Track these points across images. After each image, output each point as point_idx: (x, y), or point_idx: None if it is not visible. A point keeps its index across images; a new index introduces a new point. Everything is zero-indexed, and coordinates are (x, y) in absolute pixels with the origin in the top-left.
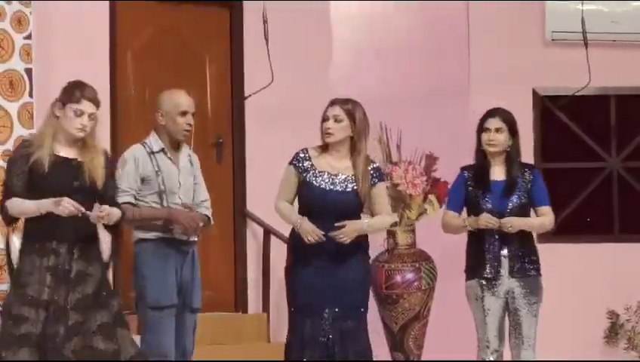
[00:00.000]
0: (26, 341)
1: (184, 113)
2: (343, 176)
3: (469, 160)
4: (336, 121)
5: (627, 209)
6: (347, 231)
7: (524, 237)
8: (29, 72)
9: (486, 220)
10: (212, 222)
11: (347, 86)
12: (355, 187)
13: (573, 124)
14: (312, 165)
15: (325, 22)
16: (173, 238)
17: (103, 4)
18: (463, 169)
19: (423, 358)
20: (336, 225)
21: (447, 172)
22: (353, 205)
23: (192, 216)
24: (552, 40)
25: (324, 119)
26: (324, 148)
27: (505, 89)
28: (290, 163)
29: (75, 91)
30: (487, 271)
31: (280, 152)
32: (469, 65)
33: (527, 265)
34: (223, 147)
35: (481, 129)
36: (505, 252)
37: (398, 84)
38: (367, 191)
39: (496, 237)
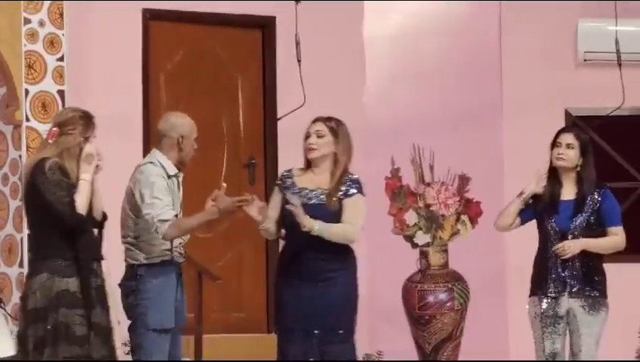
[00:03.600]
0: None
1: (196, 138)
2: (320, 191)
3: (502, 180)
4: (318, 136)
5: None
6: (300, 213)
7: (587, 257)
8: (61, 93)
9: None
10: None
11: (380, 108)
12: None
13: (606, 144)
14: (293, 183)
15: (358, 44)
16: (172, 261)
17: (136, 26)
18: None
19: None
20: (289, 204)
21: (480, 192)
22: (327, 217)
23: (229, 200)
24: (585, 60)
25: (307, 136)
26: (308, 166)
27: (537, 110)
28: (276, 183)
29: (92, 122)
30: (549, 289)
31: None
32: (502, 86)
33: (588, 285)
34: (256, 168)
35: (553, 144)
36: (567, 271)
37: (430, 105)
38: (336, 202)
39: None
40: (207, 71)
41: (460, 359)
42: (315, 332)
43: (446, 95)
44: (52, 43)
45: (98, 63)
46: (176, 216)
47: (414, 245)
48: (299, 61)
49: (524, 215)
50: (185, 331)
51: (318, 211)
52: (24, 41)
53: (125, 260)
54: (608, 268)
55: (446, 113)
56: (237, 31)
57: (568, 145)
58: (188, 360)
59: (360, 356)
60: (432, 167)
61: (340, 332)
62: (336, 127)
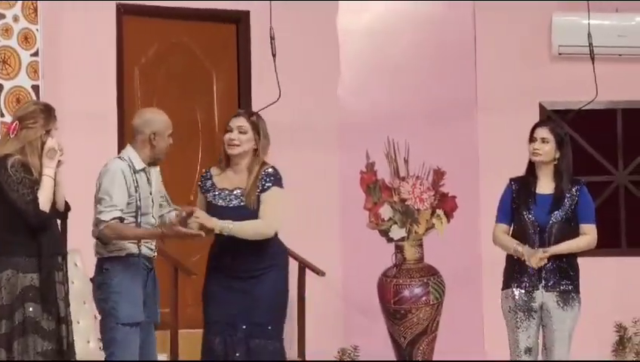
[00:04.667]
0: None
1: (171, 134)
2: (239, 191)
3: (477, 174)
4: (240, 132)
5: (634, 223)
6: (199, 214)
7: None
8: (35, 88)
9: (539, 261)
10: None
11: (355, 101)
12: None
13: (580, 138)
14: (212, 184)
15: (332, 37)
16: (139, 255)
17: (110, 20)
18: (512, 180)
19: None
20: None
21: (455, 186)
22: (250, 217)
23: (183, 233)
24: (559, 54)
25: (228, 130)
26: (227, 164)
27: (511, 103)
28: (197, 183)
29: (52, 114)
30: (524, 282)
31: (287, 169)
32: (476, 79)
33: (563, 280)
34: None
35: (530, 138)
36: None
37: (405, 99)
38: (255, 199)
39: (535, 246)
40: (181, 65)
41: (435, 352)
42: (243, 327)
43: (421, 89)
44: (26, 38)
45: (72, 58)
46: (121, 218)
47: (389, 239)
48: (273, 55)
49: (508, 217)
50: (161, 326)
51: (240, 213)
52: None
53: (95, 254)
54: (585, 262)
55: (421, 107)
56: (211, 25)
57: (543, 140)
58: (164, 361)
59: (335, 350)
60: (406, 161)
61: (269, 328)
62: (257, 122)
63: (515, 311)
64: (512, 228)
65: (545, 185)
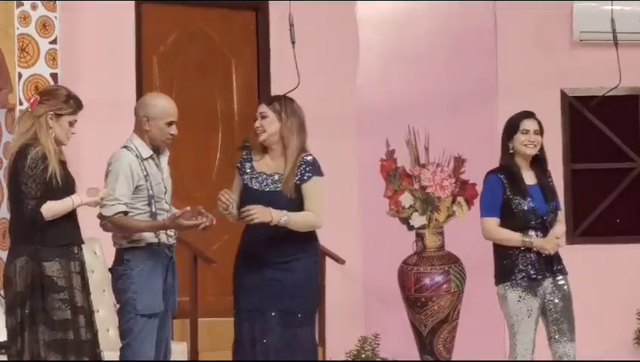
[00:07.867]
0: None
1: (171, 123)
2: (277, 176)
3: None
4: (262, 118)
5: None
6: (256, 209)
7: None
8: (54, 76)
9: (554, 246)
10: None
11: (374, 89)
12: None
13: (601, 124)
14: (251, 167)
15: (352, 25)
16: (159, 243)
17: (129, 8)
18: (496, 172)
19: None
20: (248, 206)
21: (476, 174)
22: (285, 204)
23: (184, 225)
24: (580, 40)
25: (254, 119)
26: (264, 150)
27: (533, 90)
28: (236, 165)
29: (71, 103)
30: (531, 271)
31: None
32: (497, 66)
33: (561, 263)
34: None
35: (515, 130)
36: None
37: (425, 86)
38: (292, 187)
39: (538, 236)
40: (200, 53)
41: (456, 341)
42: (272, 314)
43: (441, 76)
44: (44, 26)
45: (91, 46)
46: (126, 213)
47: (410, 227)
48: (293, 43)
49: (499, 209)
50: (180, 315)
51: (274, 198)
52: (17, 24)
53: (113, 245)
54: (606, 249)
55: (441, 94)
56: (230, 13)
57: (536, 132)
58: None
59: (356, 339)
60: (427, 149)
61: (299, 315)
62: (279, 107)
63: (524, 300)
64: (501, 221)
65: (527, 176)
